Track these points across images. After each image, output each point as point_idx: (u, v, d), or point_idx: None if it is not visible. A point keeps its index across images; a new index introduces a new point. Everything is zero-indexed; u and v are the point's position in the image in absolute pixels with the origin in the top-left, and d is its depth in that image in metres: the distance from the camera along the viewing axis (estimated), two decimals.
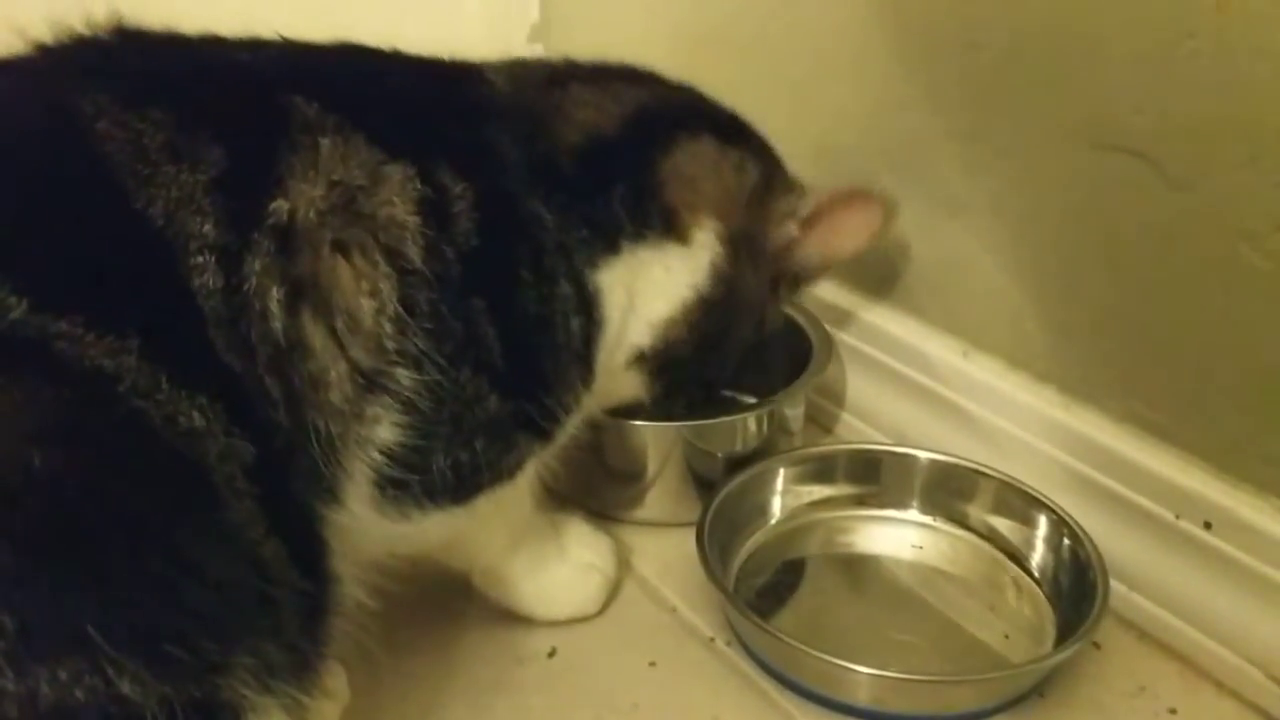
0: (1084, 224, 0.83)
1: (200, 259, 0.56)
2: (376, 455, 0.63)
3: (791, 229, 0.85)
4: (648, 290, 0.78)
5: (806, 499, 0.93)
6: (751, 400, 0.97)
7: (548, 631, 0.80)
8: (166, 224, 0.56)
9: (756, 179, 0.83)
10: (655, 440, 0.90)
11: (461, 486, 0.68)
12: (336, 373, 0.60)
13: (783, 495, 0.92)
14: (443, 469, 0.66)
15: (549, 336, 0.71)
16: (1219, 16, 0.70)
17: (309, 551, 0.59)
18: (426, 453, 0.65)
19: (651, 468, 0.91)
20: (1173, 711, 0.76)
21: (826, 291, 1.06)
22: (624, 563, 0.86)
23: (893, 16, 0.94)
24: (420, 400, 0.63)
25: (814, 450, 0.96)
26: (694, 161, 0.79)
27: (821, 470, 0.93)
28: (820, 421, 1.08)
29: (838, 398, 1.06)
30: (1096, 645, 0.80)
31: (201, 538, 0.52)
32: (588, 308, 0.73)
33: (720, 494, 0.86)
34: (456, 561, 0.80)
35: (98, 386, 0.52)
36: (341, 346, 0.60)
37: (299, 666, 0.56)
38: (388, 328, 0.61)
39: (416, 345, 0.62)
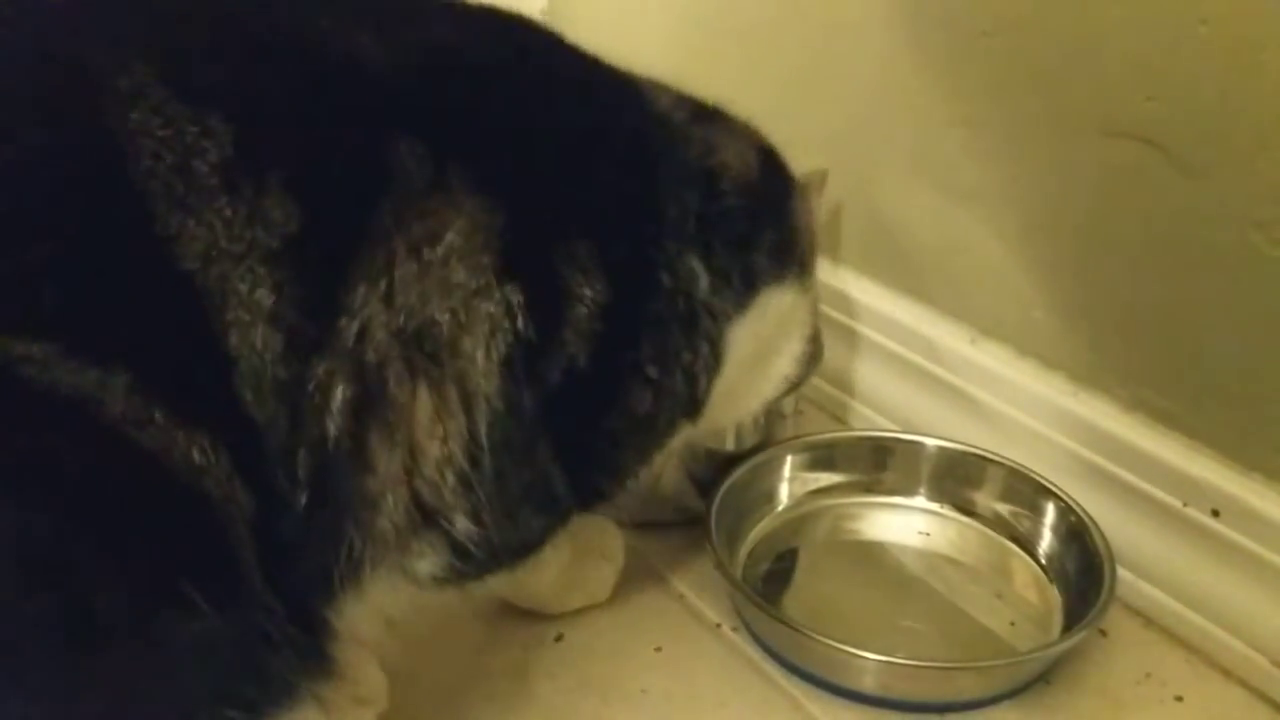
0: (1094, 211, 0.82)
1: (245, 317, 0.49)
2: (405, 579, 0.59)
3: None
4: (789, 332, 0.80)
5: (813, 486, 0.93)
6: None
7: (555, 618, 0.81)
8: (201, 267, 0.48)
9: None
10: None
11: (481, 573, 0.64)
12: (394, 499, 0.54)
13: (790, 482, 0.92)
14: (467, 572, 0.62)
15: (647, 433, 0.67)
16: (1230, 2, 0.70)
17: (304, 614, 0.54)
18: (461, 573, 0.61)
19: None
20: (1179, 699, 0.76)
21: (836, 279, 1.06)
22: (631, 549, 0.86)
23: (903, 2, 0.93)
24: (472, 545, 0.58)
25: (821, 437, 0.96)
26: (807, 213, 0.81)
27: (829, 457, 0.93)
28: (828, 408, 1.08)
29: (846, 385, 1.06)
30: (1103, 633, 0.80)
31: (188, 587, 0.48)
32: (718, 361, 0.69)
33: (727, 481, 0.86)
34: None
35: (73, 414, 0.45)
36: (408, 475, 0.54)
37: (314, 671, 0.54)
38: (450, 480, 0.55)
39: (479, 498, 0.57)
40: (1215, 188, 0.74)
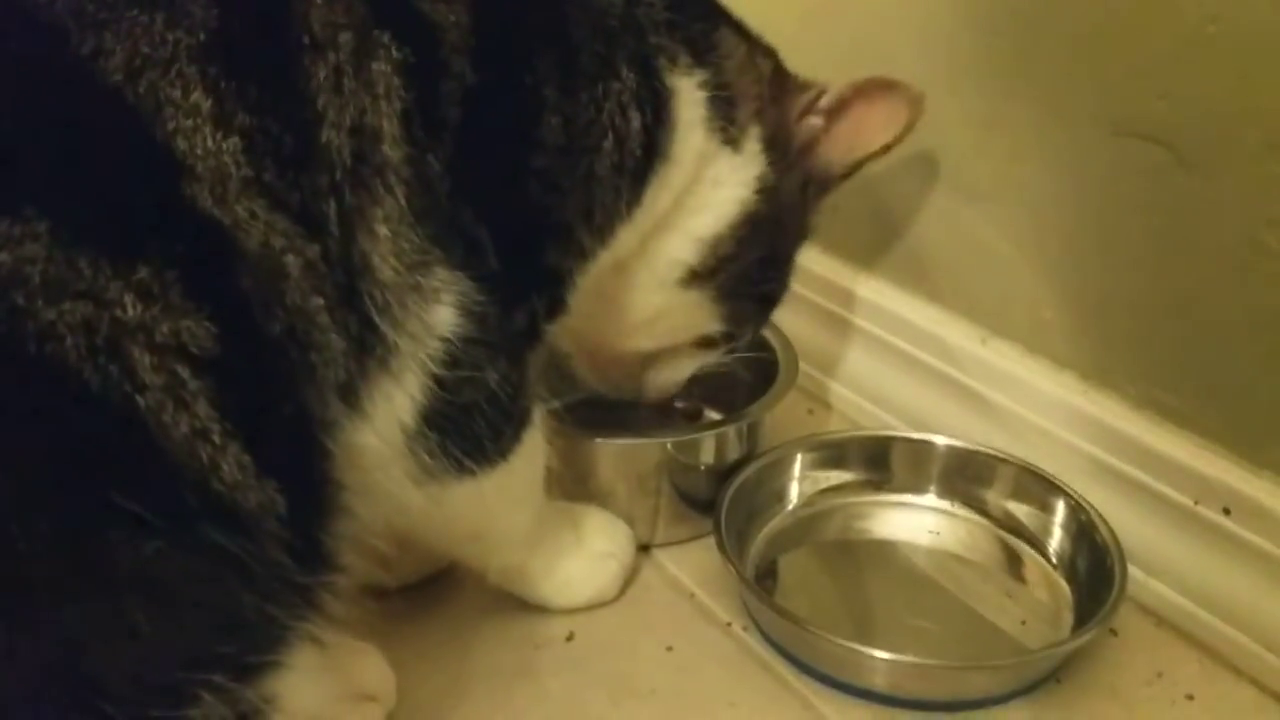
0: (1104, 210, 0.82)
1: (189, 122, 0.50)
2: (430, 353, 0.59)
3: (816, 123, 0.80)
4: (692, 204, 0.74)
5: (824, 484, 0.93)
6: (716, 416, 0.94)
7: (566, 616, 0.81)
8: (126, 81, 0.49)
9: (771, 70, 0.79)
10: (642, 457, 0.86)
11: (504, 314, 0.62)
12: (381, 262, 0.56)
13: (800, 481, 0.92)
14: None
15: (579, 179, 0.65)
16: (1240, 1, 0.70)
17: (294, 457, 0.54)
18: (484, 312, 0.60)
19: (641, 485, 0.86)
20: (1190, 698, 0.76)
21: (845, 277, 1.06)
22: (641, 547, 0.86)
23: (912, 3, 0.93)
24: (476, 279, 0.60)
25: (832, 436, 0.96)
26: (733, 52, 0.75)
27: (839, 456, 0.93)
28: (839, 407, 1.08)
29: (856, 384, 1.06)
30: (1114, 631, 0.80)
31: (122, 542, 0.46)
32: (658, 102, 0.67)
33: (738, 479, 0.86)
34: (473, 560, 0.77)
35: None
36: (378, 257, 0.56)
37: (307, 588, 0.53)
38: (408, 251, 0.57)
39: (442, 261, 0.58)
40: (1226, 186, 0.74)
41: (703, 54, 0.71)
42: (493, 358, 0.62)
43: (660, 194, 0.71)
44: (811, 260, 1.07)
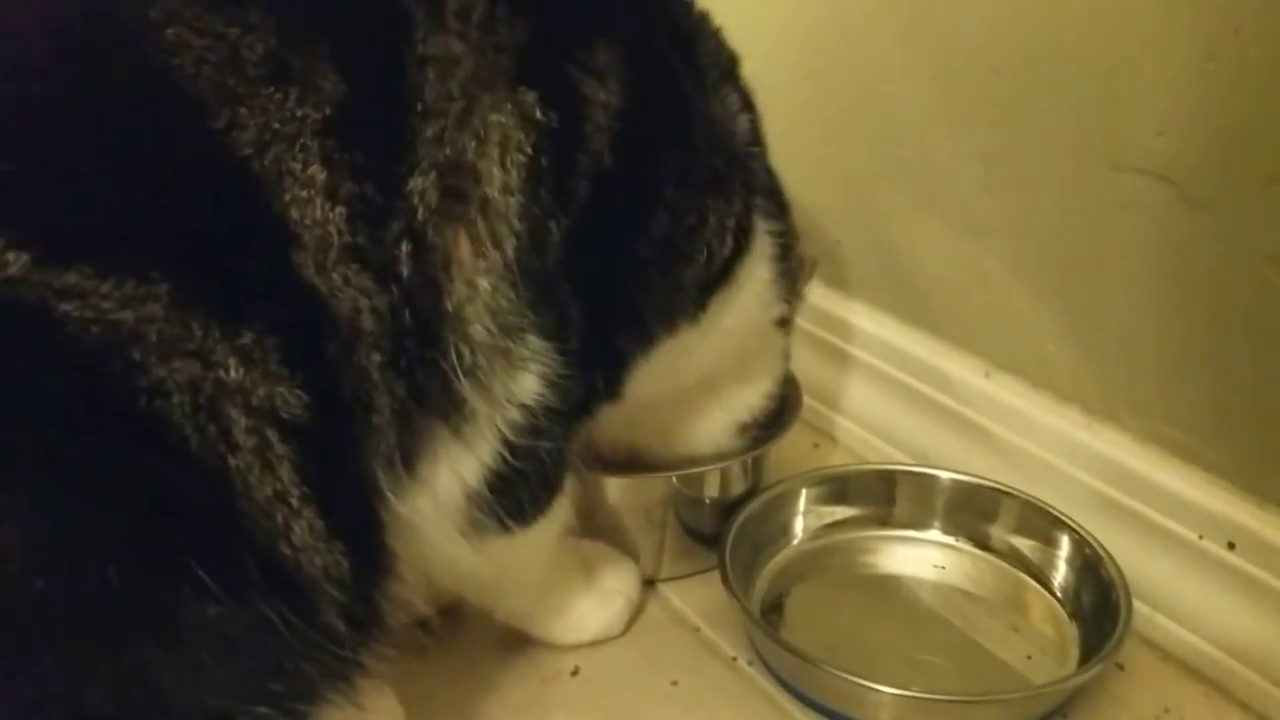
0: (1105, 245, 0.83)
1: (302, 193, 0.51)
2: (509, 417, 0.59)
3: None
4: (765, 362, 0.85)
5: (829, 519, 0.93)
6: None
7: (572, 651, 0.81)
8: (255, 154, 0.50)
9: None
10: (648, 491, 0.87)
11: (577, 383, 0.63)
12: (475, 319, 0.56)
13: (805, 516, 0.92)
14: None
15: (669, 281, 0.68)
16: (1238, 39, 0.71)
17: (357, 520, 0.54)
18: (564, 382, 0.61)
19: (647, 519, 0.87)
20: None
21: (848, 311, 1.06)
22: (646, 583, 0.86)
23: (915, 41, 0.94)
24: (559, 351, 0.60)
25: (836, 471, 0.96)
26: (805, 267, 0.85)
27: (843, 491, 0.93)
28: (843, 442, 1.08)
29: (860, 418, 1.06)
30: (1120, 666, 0.80)
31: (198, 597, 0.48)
32: (745, 235, 0.72)
33: (743, 514, 0.86)
34: (485, 601, 0.78)
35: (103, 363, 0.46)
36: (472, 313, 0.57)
37: (340, 672, 0.54)
38: (505, 307, 0.58)
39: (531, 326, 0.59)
40: (1225, 221, 0.74)
41: (774, 211, 0.78)
42: (556, 428, 0.63)
43: (721, 311, 0.74)
44: (816, 295, 1.08)
